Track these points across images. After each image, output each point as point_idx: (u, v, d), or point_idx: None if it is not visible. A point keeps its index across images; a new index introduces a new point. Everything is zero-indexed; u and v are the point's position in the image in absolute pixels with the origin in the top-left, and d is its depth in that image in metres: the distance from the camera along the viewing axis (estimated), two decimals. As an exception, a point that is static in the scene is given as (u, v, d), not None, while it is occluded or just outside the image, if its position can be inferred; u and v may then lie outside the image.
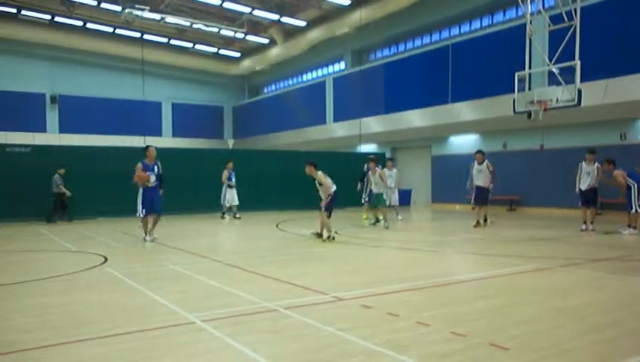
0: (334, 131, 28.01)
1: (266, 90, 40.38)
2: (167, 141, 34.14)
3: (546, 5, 18.01)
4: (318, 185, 10.75)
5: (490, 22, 23.88)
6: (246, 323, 4.67)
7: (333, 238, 10.59)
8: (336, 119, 28.47)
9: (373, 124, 24.80)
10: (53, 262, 8.73)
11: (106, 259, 8.38)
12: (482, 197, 13.91)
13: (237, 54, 37.14)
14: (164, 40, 33.75)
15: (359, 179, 16.15)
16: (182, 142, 34.19)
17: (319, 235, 10.84)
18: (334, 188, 10.57)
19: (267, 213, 18.95)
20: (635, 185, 11.75)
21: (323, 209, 10.57)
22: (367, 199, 15.23)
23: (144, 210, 10.61)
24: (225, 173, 16.85)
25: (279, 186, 20.55)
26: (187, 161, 19.11)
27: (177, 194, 17.98)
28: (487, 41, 20.68)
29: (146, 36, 32.35)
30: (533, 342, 4.12)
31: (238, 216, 16.99)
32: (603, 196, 13.14)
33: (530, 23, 14.37)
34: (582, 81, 12.98)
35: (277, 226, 14.48)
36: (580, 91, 12.85)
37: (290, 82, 37.26)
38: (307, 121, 29.94)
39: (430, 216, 19.41)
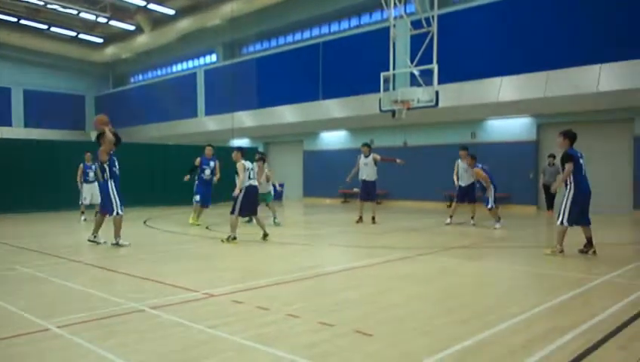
0: (206, 125, 27.41)
1: (132, 80, 38.31)
2: (18, 131, 30.95)
3: (408, 11, 19.20)
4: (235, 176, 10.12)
5: (358, 23, 24.91)
6: (109, 326, 4.39)
7: (234, 238, 9.68)
8: (207, 112, 27.86)
9: (246, 118, 24.68)
10: None
11: (-60, 264, 7.37)
12: (367, 191, 13.25)
13: (99, 40, 34.73)
14: (14, 19, 30.46)
15: (188, 172, 13.22)
16: (36, 133, 31.07)
17: (233, 238, 9.71)
18: (248, 183, 9.79)
19: (133, 209, 17.95)
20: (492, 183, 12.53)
21: (230, 213, 9.78)
22: (198, 199, 12.93)
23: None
24: (80, 167, 14.22)
25: (147, 181, 19.61)
26: (41, 153, 17.44)
27: (31, 189, 16.45)
28: (355, 41, 21.55)
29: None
30: (395, 326, 4.39)
31: (85, 218, 13.99)
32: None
33: (394, 26, 15.22)
34: (439, 83, 14.05)
35: (145, 223, 13.81)
36: (437, 93, 13.90)
37: (159, 72, 35.75)
38: (178, 113, 28.94)
39: (303, 211, 19.80)
